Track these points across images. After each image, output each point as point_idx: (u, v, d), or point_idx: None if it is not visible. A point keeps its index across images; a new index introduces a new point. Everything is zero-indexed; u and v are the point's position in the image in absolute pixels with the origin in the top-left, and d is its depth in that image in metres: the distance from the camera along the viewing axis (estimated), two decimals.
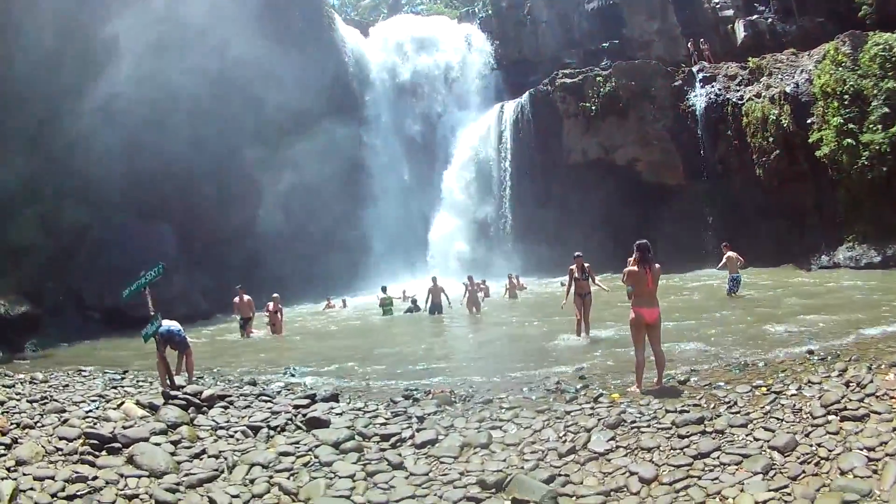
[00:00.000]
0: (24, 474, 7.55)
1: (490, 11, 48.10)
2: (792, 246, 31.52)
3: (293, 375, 13.77)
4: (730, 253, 22.18)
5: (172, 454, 8.11)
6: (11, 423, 9.14)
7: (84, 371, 15.66)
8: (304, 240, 36.71)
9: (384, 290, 26.66)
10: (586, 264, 16.45)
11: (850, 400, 7.71)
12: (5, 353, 23.42)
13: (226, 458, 8.06)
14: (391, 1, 65.21)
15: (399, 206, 42.44)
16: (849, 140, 28.65)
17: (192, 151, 32.50)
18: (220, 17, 33.39)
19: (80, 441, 8.39)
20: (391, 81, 45.84)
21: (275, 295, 23.33)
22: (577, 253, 16.80)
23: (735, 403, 8.45)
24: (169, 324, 12.40)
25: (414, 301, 26.92)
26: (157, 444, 8.29)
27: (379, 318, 26.19)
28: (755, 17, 39.45)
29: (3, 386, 12.77)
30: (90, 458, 8.01)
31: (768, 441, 7.17)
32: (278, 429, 9.04)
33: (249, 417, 9.50)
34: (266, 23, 35.98)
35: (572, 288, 16.18)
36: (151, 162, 31.41)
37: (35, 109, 28.35)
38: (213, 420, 9.42)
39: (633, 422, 8.22)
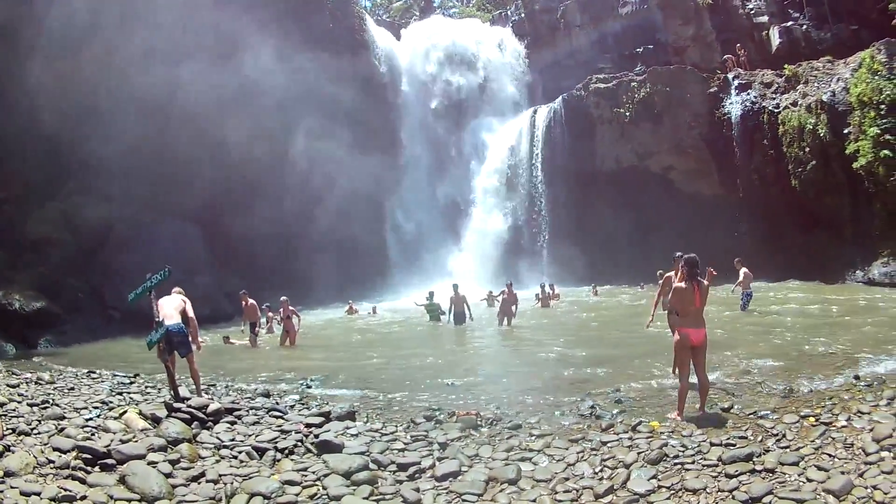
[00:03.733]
0: (12, 487, 7.04)
1: (523, 15, 47.32)
2: (827, 260, 30.68)
3: (309, 388, 13.15)
4: (744, 269, 22.12)
5: (168, 475, 7.57)
6: (7, 429, 8.72)
7: (94, 373, 15.19)
8: (332, 243, 36.14)
9: (431, 295, 25.73)
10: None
11: None
12: (19, 348, 23.08)
13: (225, 484, 7.47)
14: (423, 4, 64.76)
15: (430, 211, 41.94)
16: (885, 151, 27.89)
17: (221, 152, 32.12)
18: (250, 21, 33.03)
19: (74, 454, 7.92)
20: (422, 84, 45.25)
21: (283, 298, 21.75)
22: (678, 253, 11.80)
23: (784, 436, 8.01)
24: (170, 322, 10.86)
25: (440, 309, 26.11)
26: (154, 464, 7.77)
27: (404, 328, 25.57)
28: (790, 23, 38.73)
29: (8, 386, 12.46)
30: (81, 474, 7.54)
31: (822, 483, 6.62)
32: (286, 451, 8.46)
33: (256, 437, 8.94)
34: (296, 25, 35.59)
35: (659, 304, 12.41)
36: (179, 161, 31.04)
37: (57, 103, 27.97)
38: (218, 437, 8.90)
39: (676, 457, 7.63)
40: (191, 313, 11.33)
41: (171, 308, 11.09)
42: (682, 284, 9.38)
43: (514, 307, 23.16)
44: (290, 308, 21.50)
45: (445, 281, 27.64)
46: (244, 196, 34.29)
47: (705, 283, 9.42)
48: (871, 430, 7.63)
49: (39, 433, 8.77)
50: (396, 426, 9.53)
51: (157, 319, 10.34)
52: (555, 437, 8.55)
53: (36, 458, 7.75)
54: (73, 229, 29.40)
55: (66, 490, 6.99)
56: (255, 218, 34.00)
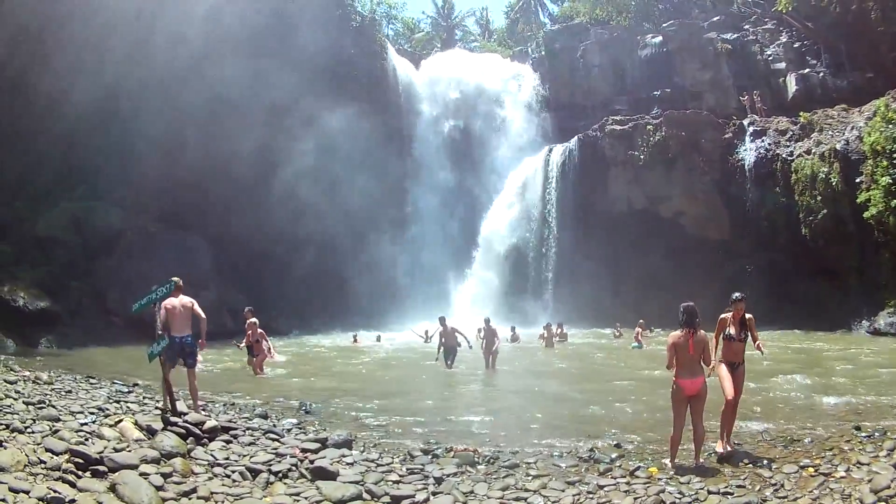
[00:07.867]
0: (1, 483, 6.95)
1: (543, 52, 47.72)
2: (832, 309, 30.58)
3: (308, 413, 12.98)
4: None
5: (159, 488, 7.47)
6: (1, 424, 8.74)
7: (92, 378, 15.14)
8: (340, 269, 36.05)
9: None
10: (748, 314, 10.21)
11: None
12: (19, 345, 23.07)
13: (217, 503, 7.38)
14: (445, 36, 65.31)
15: (439, 243, 41.49)
16: None
17: (233, 168, 32.19)
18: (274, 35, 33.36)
19: (66, 457, 7.88)
20: (439, 116, 45.45)
21: (253, 320, 19.64)
22: (736, 295, 10.21)
23: (782, 486, 7.91)
24: (179, 334, 11.22)
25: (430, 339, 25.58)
26: (146, 475, 7.68)
27: (406, 359, 25.31)
28: (807, 70, 39.11)
29: (5, 382, 12.46)
30: (72, 477, 7.48)
31: None
32: (280, 475, 8.34)
33: (251, 457, 8.85)
34: (317, 48, 35.90)
35: (718, 351, 10.22)
36: (191, 175, 31.16)
37: (73, 108, 28.21)
38: (212, 455, 8.81)
39: (673, 503, 7.50)
40: (199, 310, 11.55)
41: (182, 317, 11.27)
42: (679, 333, 9.17)
43: (496, 344, 21.26)
44: (260, 331, 19.71)
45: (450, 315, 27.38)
46: (254, 216, 34.33)
47: (701, 332, 9.14)
48: (870, 481, 7.57)
49: (33, 432, 8.74)
50: (392, 457, 9.41)
51: (159, 332, 10.31)
52: (551, 479, 8.44)
53: (28, 456, 7.70)
54: (82, 232, 29.56)
55: (55, 492, 6.91)
56: (263, 238, 34.03)
